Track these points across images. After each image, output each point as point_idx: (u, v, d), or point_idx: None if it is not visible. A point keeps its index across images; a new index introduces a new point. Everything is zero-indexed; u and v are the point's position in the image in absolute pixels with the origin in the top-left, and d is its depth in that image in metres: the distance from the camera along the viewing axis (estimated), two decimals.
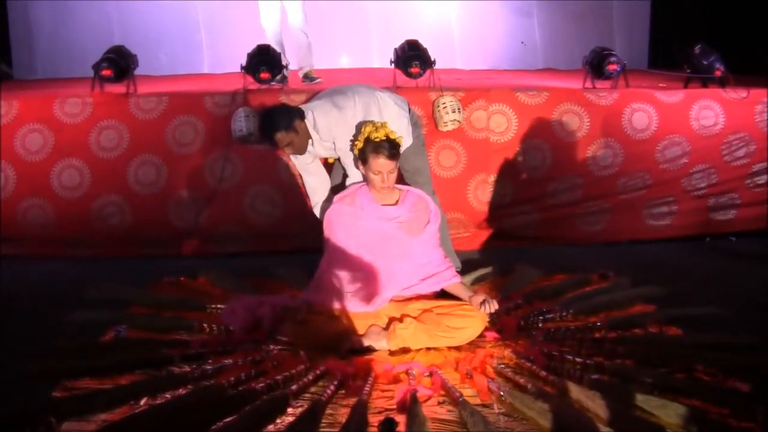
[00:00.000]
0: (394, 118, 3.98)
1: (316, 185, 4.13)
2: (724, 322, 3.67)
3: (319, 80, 5.87)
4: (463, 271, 4.22)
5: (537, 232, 5.24)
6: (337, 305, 3.56)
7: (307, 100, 4.99)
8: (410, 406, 2.85)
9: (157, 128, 5.04)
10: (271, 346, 3.48)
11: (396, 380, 3.15)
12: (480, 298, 3.54)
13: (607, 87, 5.46)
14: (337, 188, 4.06)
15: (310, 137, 3.93)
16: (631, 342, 3.50)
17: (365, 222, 3.61)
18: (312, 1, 6.17)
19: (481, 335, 3.55)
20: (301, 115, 3.88)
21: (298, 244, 4.81)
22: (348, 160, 3.95)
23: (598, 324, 3.70)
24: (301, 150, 3.94)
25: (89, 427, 2.75)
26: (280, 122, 3.81)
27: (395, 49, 5.63)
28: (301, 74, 6.01)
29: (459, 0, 7.52)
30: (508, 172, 5.20)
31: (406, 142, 4.04)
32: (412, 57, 5.37)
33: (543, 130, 5.21)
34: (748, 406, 2.78)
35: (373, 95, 4.05)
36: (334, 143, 3.96)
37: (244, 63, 5.24)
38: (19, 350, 3.36)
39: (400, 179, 4.04)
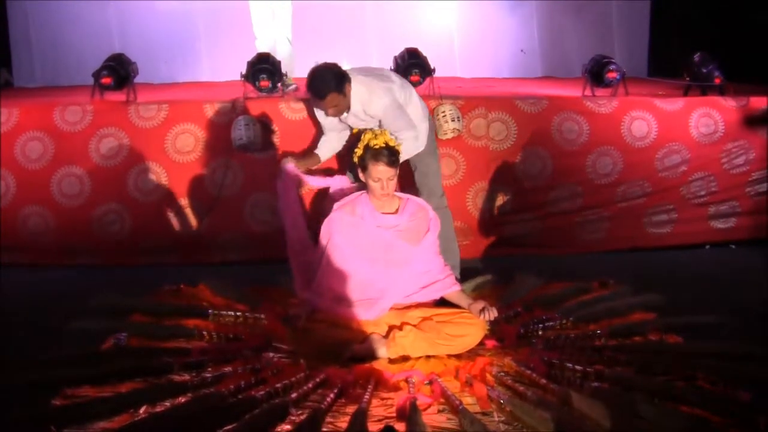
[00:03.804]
0: (420, 117, 4.09)
1: (330, 139, 4.19)
2: (725, 330, 3.66)
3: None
4: (463, 279, 4.22)
5: (537, 240, 5.24)
6: (336, 313, 3.56)
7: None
8: (410, 414, 2.84)
9: (157, 136, 5.04)
10: (271, 354, 3.48)
11: (396, 388, 3.15)
12: (480, 305, 3.53)
13: (606, 95, 5.47)
14: None
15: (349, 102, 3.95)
16: (631, 350, 3.50)
17: (365, 230, 3.61)
18: (311, 9, 6.18)
19: (481, 343, 3.56)
20: (349, 79, 3.87)
21: None
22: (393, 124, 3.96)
23: (599, 332, 3.70)
24: (341, 113, 3.95)
25: None
26: (333, 83, 3.80)
27: (395, 56, 5.64)
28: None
29: (459, 8, 7.53)
30: (507, 180, 5.21)
31: (422, 143, 4.12)
32: (411, 65, 5.38)
33: (543, 138, 5.21)
34: (749, 416, 2.78)
35: (409, 86, 4.18)
36: (369, 115, 3.98)
37: (243, 71, 5.25)
38: (19, 358, 3.36)
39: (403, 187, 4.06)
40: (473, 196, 5.19)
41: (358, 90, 3.90)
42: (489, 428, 2.77)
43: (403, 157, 3.87)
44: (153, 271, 4.81)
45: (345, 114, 3.98)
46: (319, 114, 4.12)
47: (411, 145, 4.01)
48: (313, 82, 3.83)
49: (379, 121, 3.97)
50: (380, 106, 3.92)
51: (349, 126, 4.13)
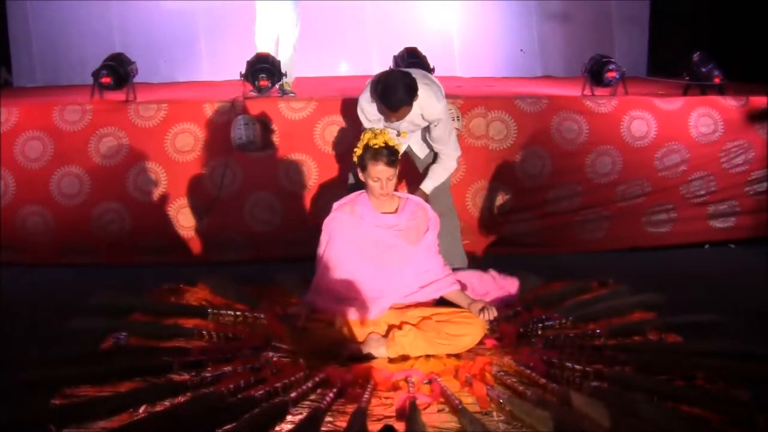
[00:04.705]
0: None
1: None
2: (724, 329, 3.67)
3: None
4: None
5: (536, 240, 5.24)
6: (336, 313, 3.56)
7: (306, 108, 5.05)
8: (409, 413, 2.84)
9: (156, 136, 5.04)
10: (271, 354, 3.47)
11: (395, 388, 3.15)
12: (479, 305, 3.53)
13: (606, 94, 5.47)
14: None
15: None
16: (630, 349, 3.49)
17: (364, 230, 3.61)
18: (310, 9, 6.17)
19: (481, 342, 3.55)
20: (417, 89, 3.88)
21: (297, 251, 4.80)
22: (438, 132, 4.10)
23: (598, 331, 3.70)
24: (401, 119, 3.99)
25: None
26: (407, 97, 3.82)
27: (394, 56, 5.65)
28: (277, 85, 5.80)
29: (459, 8, 7.54)
30: (507, 179, 5.20)
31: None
32: (411, 64, 5.37)
33: (542, 137, 5.21)
34: (749, 415, 2.78)
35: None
36: (426, 120, 4.06)
37: (243, 71, 5.24)
38: (18, 358, 3.36)
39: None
40: (473, 195, 5.18)
41: (421, 95, 3.91)
42: (488, 428, 2.77)
43: (442, 177, 4.14)
44: (152, 271, 4.80)
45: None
46: (367, 119, 4.07)
47: (452, 164, 4.20)
48: (387, 94, 3.82)
49: (426, 128, 4.07)
50: (438, 110, 4.00)
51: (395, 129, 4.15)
